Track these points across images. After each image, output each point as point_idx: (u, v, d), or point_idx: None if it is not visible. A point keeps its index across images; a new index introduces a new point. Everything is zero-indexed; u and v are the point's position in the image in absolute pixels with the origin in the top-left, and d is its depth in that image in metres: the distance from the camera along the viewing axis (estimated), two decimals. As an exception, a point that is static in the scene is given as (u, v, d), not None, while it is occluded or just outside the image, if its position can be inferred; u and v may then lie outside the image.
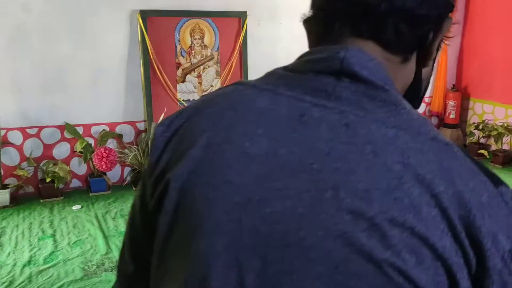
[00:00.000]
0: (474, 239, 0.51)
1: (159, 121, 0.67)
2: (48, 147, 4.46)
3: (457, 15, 6.08)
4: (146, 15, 4.45)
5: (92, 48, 4.42)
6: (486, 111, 5.70)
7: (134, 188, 4.61)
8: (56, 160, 4.45)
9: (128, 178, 4.72)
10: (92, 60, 4.44)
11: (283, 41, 5.19)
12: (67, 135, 4.49)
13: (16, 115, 4.28)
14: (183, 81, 4.76)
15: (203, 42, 4.75)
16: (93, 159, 4.34)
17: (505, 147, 5.27)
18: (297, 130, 0.56)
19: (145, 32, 4.44)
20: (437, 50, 0.64)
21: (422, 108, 5.86)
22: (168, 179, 0.60)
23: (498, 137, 5.09)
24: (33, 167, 4.39)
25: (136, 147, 4.66)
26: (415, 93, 0.67)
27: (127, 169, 4.81)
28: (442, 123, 5.99)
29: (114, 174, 4.74)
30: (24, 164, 4.35)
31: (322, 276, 0.51)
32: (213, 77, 4.86)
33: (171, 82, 4.68)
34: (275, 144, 0.56)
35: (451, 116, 5.83)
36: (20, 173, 4.20)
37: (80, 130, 4.52)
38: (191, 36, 4.70)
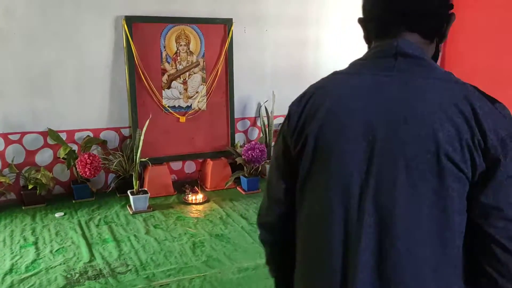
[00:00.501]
0: (482, 132, 0.93)
1: (294, 101, 1.17)
2: (30, 153, 4.40)
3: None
4: (131, 21, 4.44)
5: (76, 54, 4.39)
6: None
7: (118, 195, 4.57)
8: (38, 166, 4.39)
9: (112, 185, 4.67)
10: (76, 66, 4.41)
11: (268, 48, 5.23)
12: (50, 141, 4.44)
13: (-2, 120, 4.23)
14: (169, 87, 4.74)
15: (188, 49, 4.75)
16: (76, 166, 4.29)
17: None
18: (379, 92, 1.02)
19: (130, 38, 4.43)
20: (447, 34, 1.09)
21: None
22: (306, 134, 1.06)
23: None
24: (15, 174, 4.33)
25: (121, 153, 4.63)
26: (435, 59, 1.12)
27: (111, 176, 4.77)
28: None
29: (98, 181, 4.70)
30: (6, 170, 4.29)
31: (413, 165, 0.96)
32: (198, 84, 4.86)
33: (156, 88, 4.66)
34: (368, 101, 1.01)
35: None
36: (2, 179, 4.14)
37: (63, 136, 4.47)
38: (176, 43, 4.69)
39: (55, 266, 3.19)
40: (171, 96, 4.77)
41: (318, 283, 1.06)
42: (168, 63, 4.70)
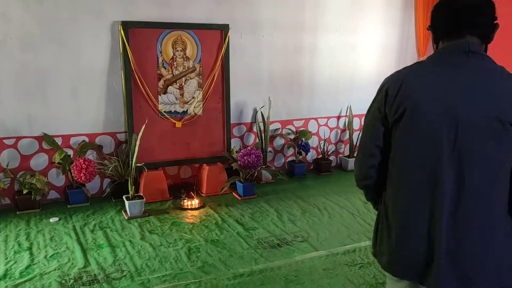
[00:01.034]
0: None
1: (390, 80, 1.62)
2: (25, 158, 4.38)
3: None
4: (127, 26, 4.44)
5: (72, 59, 4.39)
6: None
7: (113, 200, 4.56)
8: (33, 171, 4.37)
9: (108, 190, 4.66)
10: (72, 71, 4.41)
11: (264, 53, 5.25)
12: (45, 146, 4.42)
13: (-7, 125, 4.22)
14: (165, 93, 4.75)
15: (185, 54, 4.76)
16: (72, 171, 4.28)
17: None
18: (458, 78, 1.50)
19: (126, 43, 4.43)
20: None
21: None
22: (405, 107, 1.52)
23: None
24: (9, 179, 4.31)
25: (116, 158, 4.62)
26: None
27: (106, 181, 4.75)
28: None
29: (93, 186, 4.69)
30: (1, 175, 4.27)
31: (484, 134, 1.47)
32: (194, 89, 4.86)
33: (152, 94, 4.66)
34: (451, 85, 1.50)
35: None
36: (-4, 184, 4.12)
37: (59, 141, 4.46)
38: (173, 48, 4.70)
39: (50, 272, 3.17)
40: (167, 101, 4.77)
41: (413, 213, 1.58)
42: (165, 68, 4.70)
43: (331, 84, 5.76)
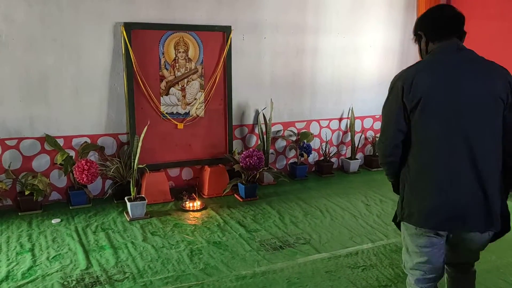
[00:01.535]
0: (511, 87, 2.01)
1: (402, 77, 2.04)
2: (27, 159, 4.38)
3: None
4: (130, 27, 4.44)
5: (75, 60, 4.39)
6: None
7: (115, 201, 4.56)
8: (35, 172, 4.37)
9: (109, 191, 4.65)
10: (74, 71, 4.41)
11: (266, 55, 5.25)
12: (47, 147, 4.42)
13: (-5, 126, 4.22)
14: (167, 94, 4.74)
15: (187, 55, 4.76)
16: (73, 172, 4.27)
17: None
18: (457, 70, 1.99)
19: (129, 45, 4.43)
20: None
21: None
22: (420, 96, 1.95)
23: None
24: (11, 180, 4.30)
25: (118, 159, 4.61)
26: None
27: (108, 182, 4.75)
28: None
29: (95, 187, 4.68)
30: (2, 176, 4.26)
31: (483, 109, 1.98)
32: (197, 90, 4.86)
33: (154, 95, 4.66)
34: (452, 76, 1.97)
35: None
36: (-2, 185, 4.12)
37: (60, 142, 4.46)
38: (175, 49, 4.70)
39: (52, 273, 3.17)
40: (169, 103, 4.77)
41: (442, 173, 1.99)
42: (167, 69, 4.70)
43: (333, 86, 5.75)
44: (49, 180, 4.41)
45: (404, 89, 1.99)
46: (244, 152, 4.69)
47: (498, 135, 2.01)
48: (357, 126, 6.01)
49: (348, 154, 6.05)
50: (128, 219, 4.14)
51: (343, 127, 5.98)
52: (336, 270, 3.30)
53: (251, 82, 5.22)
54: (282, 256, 3.49)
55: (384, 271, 3.29)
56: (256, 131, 5.37)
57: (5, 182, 4.21)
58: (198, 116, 4.90)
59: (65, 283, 3.05)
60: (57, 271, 3.20)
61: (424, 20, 2.14)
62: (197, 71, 4.83)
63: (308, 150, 5.43)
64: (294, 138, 5.62)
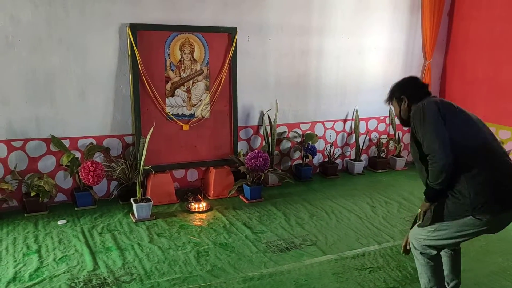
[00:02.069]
0: None
1: (434, 106, 2.48)
2: (33, 160, 4.38)
3: (441, 34, 6.23)
4: (136, 29, 4.44)
5: (80, 61, 4.39)
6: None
7: (120, 203, 4.56)
8: (41, 173, 4.37)
9: (115, 192, 4.66)
10: (80, 73, 4.41)
11: (272, 56, 5.25)
12: (53, 148, 4.42)
13: (1, 127, 4.21)
14: (172, 95, 4.75)
15: (192, 57, 4.76)
16: (79, 173, 4.27)
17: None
18: (447, 103, 2.64)
19: (134, 46, 4.43)
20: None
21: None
22: (445, 113, 2.49)
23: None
24: (17, 181, 4.30)
25: (124, 160, 4.62)
26: None
27: (113, 183, 4.75)
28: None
29: (100, 188, 4.68)
30: (8, 177, 4.27)
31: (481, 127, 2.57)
32: (202, 92, 4.86)
33: (160, 96, 4.66)
34: (451, 105, 2.61)
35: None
36: (4, 186, 4.12)
37: (66, 143, 4.46)
38: (180, 51, 4.70)
39: (59, 275, 3.17)
40: (175, 104, 4.77)
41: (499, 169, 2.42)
42: (172, 71, 4.70)
43: (338, 88, 5.75)
44: (55, 181, 4.41)
45: (440, 109, 2.51)
46: (249, 154, 4.68)
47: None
48: (362, 128, 6.00)
49: (353, 156, 6.04)
50: (134, 221, 4.14)
51: (347, 128, 5.98)
52: (343, 271, 3.29)
53: (256, 83, 5.22)
54: (289, 258, 3.49)
55: (392, 273, 3.28)
56: (261, 132, 5.37)
57: (11, 183, 4.22)
58: (203, 117, 4.90)
59: (73, 284, 3.05)
60: (64, 273, 3.20)
61: (406, 88, 2.68)
62: (203, 72, 4.83)
63: (312, 151, 5.43)
64: (299, 140, 5.62)
